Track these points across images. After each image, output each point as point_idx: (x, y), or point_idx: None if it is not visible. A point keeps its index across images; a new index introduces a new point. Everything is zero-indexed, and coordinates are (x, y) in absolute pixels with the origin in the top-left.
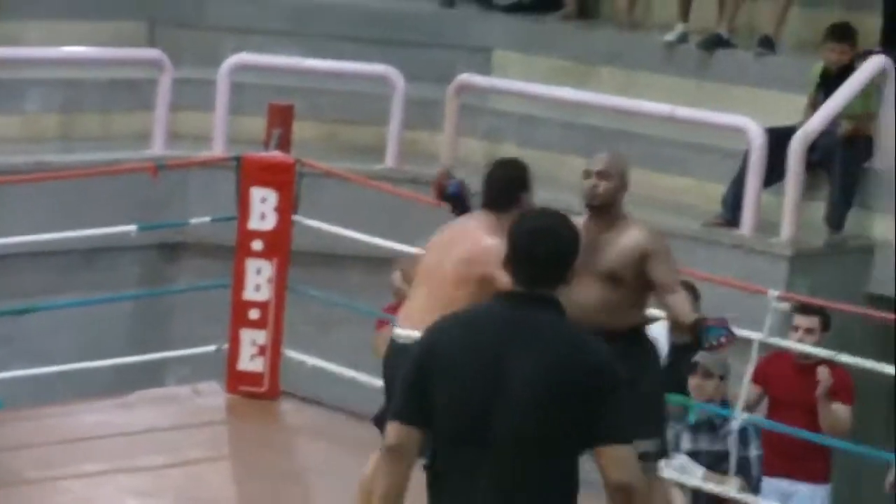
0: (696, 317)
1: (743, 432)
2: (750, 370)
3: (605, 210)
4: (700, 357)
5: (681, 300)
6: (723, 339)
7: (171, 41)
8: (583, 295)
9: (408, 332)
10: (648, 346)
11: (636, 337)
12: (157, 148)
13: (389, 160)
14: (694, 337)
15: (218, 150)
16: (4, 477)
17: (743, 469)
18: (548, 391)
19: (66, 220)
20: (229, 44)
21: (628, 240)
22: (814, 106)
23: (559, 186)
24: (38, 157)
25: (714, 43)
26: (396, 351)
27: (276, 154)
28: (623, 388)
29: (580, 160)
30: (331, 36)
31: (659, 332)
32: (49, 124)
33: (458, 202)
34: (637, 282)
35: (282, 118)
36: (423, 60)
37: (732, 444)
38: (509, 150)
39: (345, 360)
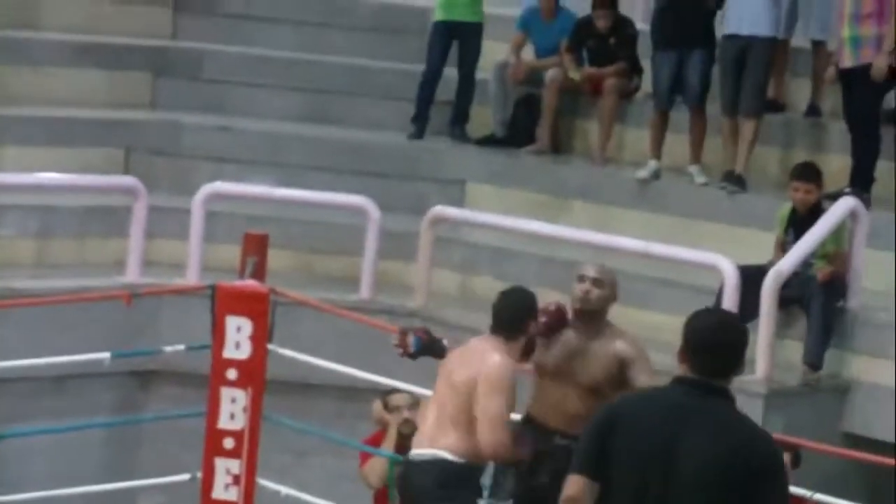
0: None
1: None
2: None
3: (593, 317)
4: None
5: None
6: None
7: (146, 169)
8: (563, 403)
9: (421, 451)
10: None
11: None
12: (132, 275)
13: (364, 291)
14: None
15: (192, 278)
16: None
17: None
18: (717, 476)
19: (39, 346)
20: (204, 172)
21: (609, 350)
22: (782, 246)
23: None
24: (11, 283)
25: (735, 182)
26: (410, 468)
27: (250, 283)
28: (785, 477)
29: (555, 294)
30: (305, 166)
31: None
32: (23, 250)
33: (428, 352)
34: (617, 393)
35: (257, 247)
36: (398, 192)
37: None
38: (483, 283)
39: (319, 489)
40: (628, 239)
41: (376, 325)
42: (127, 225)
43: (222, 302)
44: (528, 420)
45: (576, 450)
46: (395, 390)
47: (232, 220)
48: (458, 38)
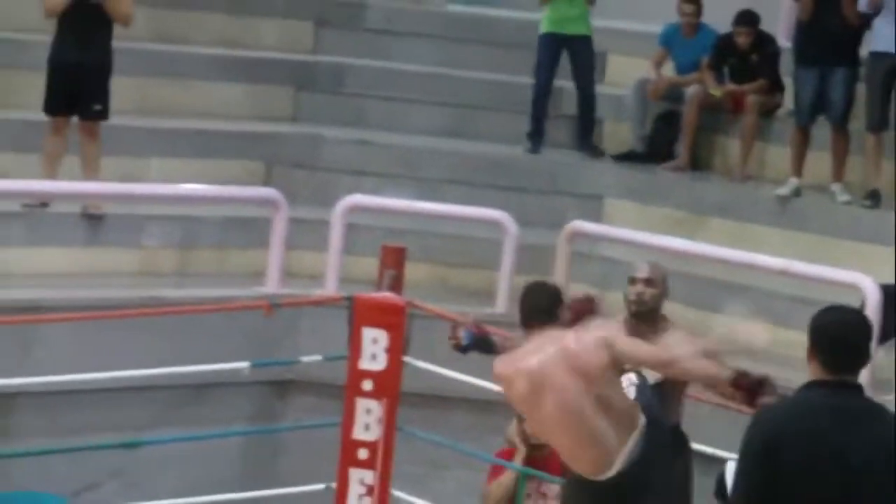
0: (734, 371)
1: None
2: None
3: (649, 316)
4: None
5: (704, 363)
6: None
7: (286, 181)
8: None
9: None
10: (689, 446)
11: (682, 436)
12: (272, 286)
13: (500, 304)
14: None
15: (330, 289)
16: None
17: None
18: (889, 469)
19: (178, 354)
20: (343, 185)
21: (671, 341)
22: None
23: None
24: (155, 292)
25: (877, 198)
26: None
27: (387, 295)
28: None
29: (691, 311)
30: (443, 180)
31: None
32: (167, 259)
33: (479, 347)
34: (682, 382)
35: (394, 259)
36: (535, 206)
37: None
38: (620, 299)
39: (453, 503)
40: (768, 257)
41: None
42: (267, 236)
43: (360, 313)
44: None
45: (737, 479)
46: None
47: (371, 232)
48: (568, 51)
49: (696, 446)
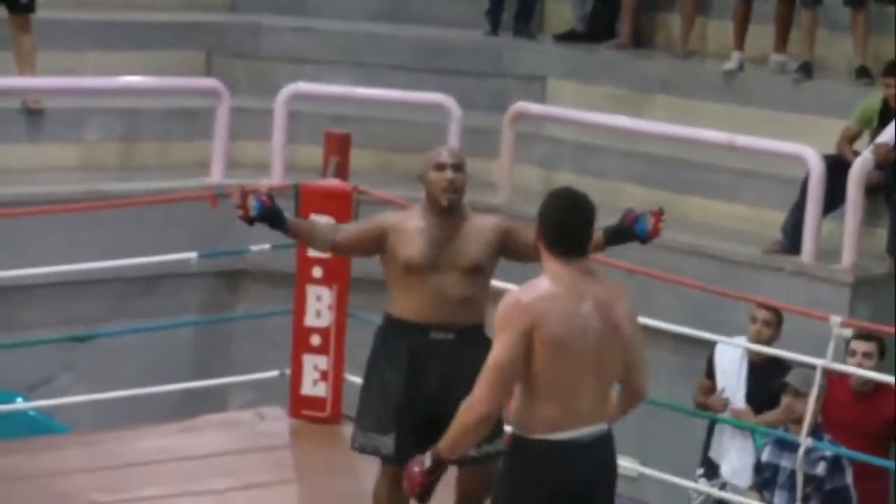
0: (604, 229)
1: (837, 461)
2: (813, 395)
3: (458, 206)
4: (791, 378)
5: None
6: (653, 222)
7: (227, 71)
8: (449, 290)
9: (578, 431)
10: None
11: (484, 335)
12: (216, 176)
13: None
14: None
15: (276, 178)
16: (69, 502)
17: (843, 499)
18: None
19: (126, 248)
20: (284, 73)
21: (485, 227)
22: (851, 139)
23: (616, 214)
24: (97, 186)
25: (809, 70)
26: (561, 453)
27: (333, 182)
28: None
29: (637, 188)
30: (385, 65)
31: (735, 353)
32: (108, 153)
33: (268, 220)
34: (492, 272)
35: (339, 146)
36: (478, 89)
37: (822, 470)
38: (566, 178)
39: None
40: (712, 131)
41: None
42: (210, 127)
43: (306, 201)
44: (393, 325)
45: None
46: None
47: (313, 120)
48: None
49: (649, 321)
